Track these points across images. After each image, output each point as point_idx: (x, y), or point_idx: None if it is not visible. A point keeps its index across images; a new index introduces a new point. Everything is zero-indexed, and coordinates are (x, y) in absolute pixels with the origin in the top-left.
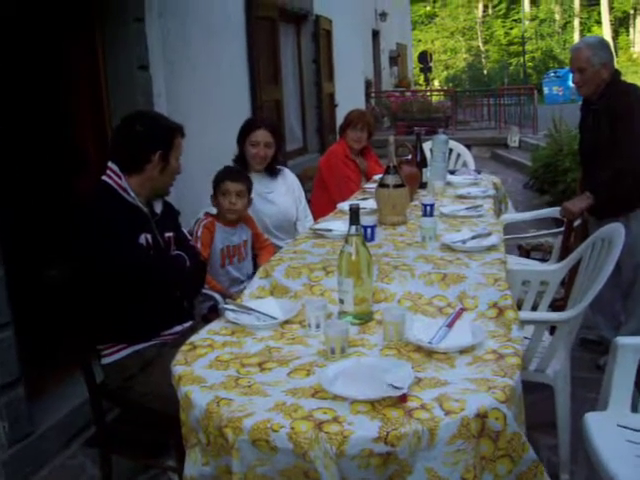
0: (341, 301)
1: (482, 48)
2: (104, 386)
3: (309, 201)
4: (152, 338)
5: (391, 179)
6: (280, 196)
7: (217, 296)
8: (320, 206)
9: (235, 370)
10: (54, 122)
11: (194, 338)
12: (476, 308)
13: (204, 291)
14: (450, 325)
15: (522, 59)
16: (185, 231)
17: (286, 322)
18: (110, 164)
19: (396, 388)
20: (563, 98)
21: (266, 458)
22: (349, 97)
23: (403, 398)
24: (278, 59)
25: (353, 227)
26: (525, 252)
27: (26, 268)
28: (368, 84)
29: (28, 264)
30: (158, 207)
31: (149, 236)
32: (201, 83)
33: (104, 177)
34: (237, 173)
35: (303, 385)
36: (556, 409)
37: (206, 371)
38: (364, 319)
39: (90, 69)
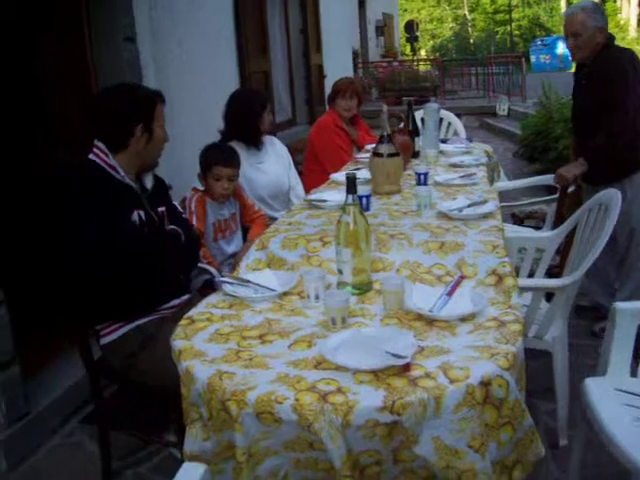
0: (339, 272)
1: (468, 17)
2: (102, 365)
3: (300, 173)
4: (150, 313)
5: (385, 148)
6: (272, 165)
7: (213, 270)
8: (312, 178)
9: (235, 343)
10: (36, 94)
11: (192, 312)
12: (475, 276)
13: (200, 265)
14: (450, 293)
15: (509, 27)
16: (177, 205)
17: (284, 294)
18: (96, 142)
19: (399, 357)
20: (550, 66)
21: (270, 431)
22: (338, 68)
23: (407, 367)
24: (266, 30)
25: (350, 196)
26: (519, 220)
27: (18, 242)
28: (355, 55)
29: (19, 238)
30: (148, 182)
31: (142, 212)
32: (189, 55)
33: (91, 156)
34: (229, 156)
35: (305, 357)
36: (554, 375)
37: (206, 345)
38: (363, 289)
39: (75, 40)
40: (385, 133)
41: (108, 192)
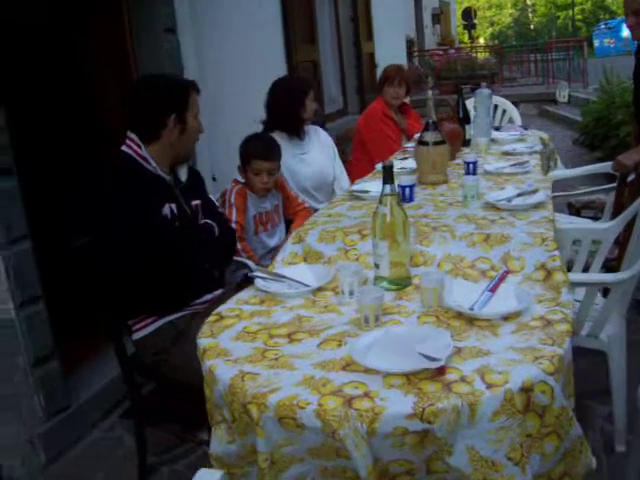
0: (376, 266)
1: (529, 2)
2: (135, 360)
3: (349, 162)
4: (182, 308)
5: (430, 136)
6: (316, 155)
7: (251, 264)
8: (360, 167)
9: (262, 342)
10: (80, 90)
11: (222, 308)
12: (522, 270)
13: (237, 259)
14: (493, 289)
15: (571, 12)
16: (213, 198)
17: (319, 289)
18: (129, 134)
19: (432, 359)
20: (615, 50)
21: (293, 437)
22: (390, 57)
23: (441, 370)
24: (314, 18)
25: (387, 186)
26: (575, 210)
27: (56, 238)
28: (410, 43)
29: (57, 234)
30: (183, 175)
31: (174, 206)
32: (233, 45)
33: (124, 147)
34: (268, 149)
35: (334, 357)
36: (610, 377)
37: (232, 343)
38: (401, 284)
39: (116, 32)
40: (430, 120)
41: (139, 184)
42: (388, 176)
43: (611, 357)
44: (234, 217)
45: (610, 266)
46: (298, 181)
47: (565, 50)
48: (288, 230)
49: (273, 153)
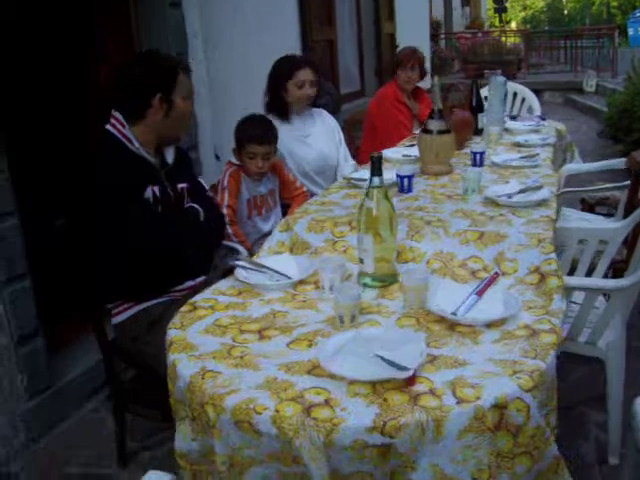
0: (361, 261)
1: None
2: (115, 345)
3: (358, 147)
4: (161, 295)
5: (435, 124)
6: (319, 139)
7: (241, 249)
8: (369, 152)
9: (231, 337)
10: (77, 65)
11: (197, 297)
12: (515, 273)
13: (228, 243)
14: (480, 293)
15: None
16: (202, 181)
17: (300, 282)
18: (114, 112)
19: (402, 369)
20: None
21: (251, 441)
22: (412, 38)
23: (411, 380)
24: None
25: (375, 178)
26: (588, 206)
27: (42, 217)
28: (437, 25)
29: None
30: (170, 156)
31: (157, 189)
32: (244, 23)
33: (108, 126)
34: (264, 132)
35: (301, 358)
36: (607, 386)
37: (200, 337)
38: (386, 281)
39: (118, 7)
40: (436, 108)
41: (122, 165)
42: (376, 168)
43: (609, 366)
44: (226, 200)
45: (617, 268)
46: (299, 164)
47: (596, 38)
48: (285, 215)
49: (268, 137)
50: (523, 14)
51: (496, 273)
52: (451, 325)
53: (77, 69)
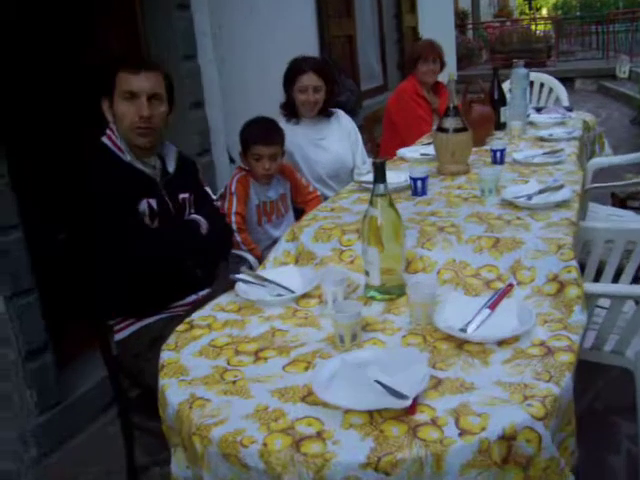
0: (366, 273)
1: None
2: (119, 362)
3: (378, 145)
4: (162, 311)
5: (451, 122)
6: (334, 142)
7: (251, 258)
8: (390, 149)
9: (226, 359)
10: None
11: (195, 315)
12: (532, 282)
13: (236, 252)
14: (493, 306)
15: None
16: (208, 190)
17: (304, 296)
18: (111, 124)
19: (400, 396)
20: None
21: (240, 474)
22: (436, 30)
23: (411, 408)
24: None
25: (379, 185)
26: (619, 202)
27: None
28: (464, 15)
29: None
30: (171, 165)
31: (153, 201)
32: (259, 18)
33: (104, 137)
34: (269, 133)
35: (297, 383)
36: (637, 397)
37: (193, 360)
38: (393, 293)
39: (125, 9)
40: (451, 105)
41: (115, 179)
42: (379, 174)
43: (638, 376)
44: (234, 207)
45: None
46: (312, 168)
47: (630, 21)
48: (298, 220)
49: (273, 137)
50: (554, 0)
51: (510, 284)
52: (460, 344)
53: (81, 75)
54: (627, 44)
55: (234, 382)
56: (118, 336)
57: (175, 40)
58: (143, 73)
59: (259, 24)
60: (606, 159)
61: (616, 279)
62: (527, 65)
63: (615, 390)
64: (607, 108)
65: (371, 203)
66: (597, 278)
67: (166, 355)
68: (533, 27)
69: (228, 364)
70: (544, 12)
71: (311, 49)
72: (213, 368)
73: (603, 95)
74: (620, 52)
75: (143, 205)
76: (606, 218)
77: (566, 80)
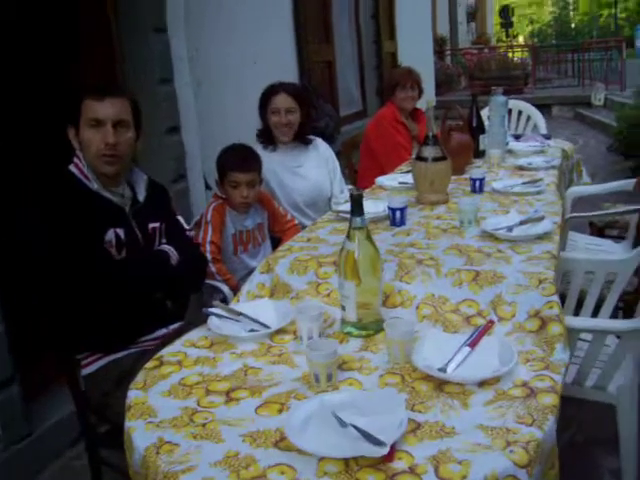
0: (343, 308)
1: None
2: (86, 397)
3: (356, 171)
4: (130, 345)
5: (430, 151)
6: (312, 169)
7: (225, 289)
8: (368, 176)
9: (196, 400)
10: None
11: (165, 351)
12: (513, 317)
13: (211, 282)
14: (473, 344)
15: (614, 10)
16: (181, 219)
17: (278, 331)
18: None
19: (377, 443)
20: None
21: None
22: (415, 56)
23: (389, 455)
24: (329, 15)
25: (356, 219)
26: (597, 230)
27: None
28: (442, 41)
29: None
30: (141, 193)
31: (121, 230)
32: (238, 44)
33: (71, 165)
34: (246, 160)
35: (270, 426)
36: (619, 432)
37: (162, 400)
38: (370, 329)
39: (100, 31)
40: (430, 133)
41: (80, 208)
42: (357, 207)
43: (620, 411)
44: (209, 236)
45: (628, 300)
46: (289, 196)
47: (604, 50)
48: (275, 249)
49: (250, 164)
50: (530, 28)
51: (490, 321)
52: (439, 384)
53: (58, 104)
54: (602, 72)
55: (204, 425)
56: (86, 370)
57: (151, 64)
58: (108, 99)
59: (237, 48)
60: (586, 188)
61: (597, 309)
62: (505, 92)
63: (596, 422)
64: (584, 135)
65: (348, 236)
66: (577, 308)
67: (133, 395)
68: (510, 54)
69: (198, 405)
70: (520, 39)
71: (290, 74)
72: (182, 409)
73: (579, 122)
74: (595, 80)
75: (110, 235)
76: (585, 247)
77: (543, 107)
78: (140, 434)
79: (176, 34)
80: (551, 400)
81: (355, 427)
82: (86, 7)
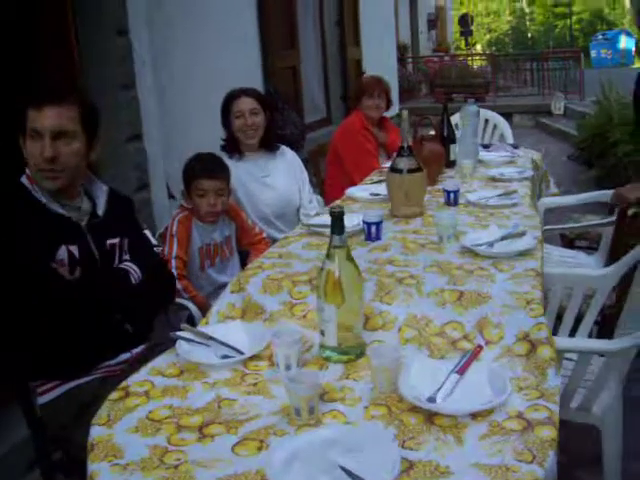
0: (322, 332)
1: (526, 10)
2: (44, 427)
3: (322, 182)
4: (89, 372)
5: (404, 162)
6: (279, 178)
7: (192, 307)
8: (336, 185)
9: (166, 437)
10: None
11: (131, 379)
12: (500, 340)
13: (177, 300)
14: (461, 371)
15: (569, 21)
16: (147, 233)
17: (252, 357)
18: None
19: None
20: (612, 62)
21: None
22: (379, 63)
23: None
24: (295, 21)
25: (336, 237)
26: (568, 241)
27: None
28: (404, 49)
29: None
30: (100, 206)
31: (74, 247)
32: (201, 48)
33: (23, 177)
34: (213, 166)
35: (248, 468)
36: (603, 454)
37: (129, 437)
38: (351, 354)
39: (59, 32)
40: (405, 144)
41: (30, 223)
42: (337, 225)
43: (605, 433)
44: (175, 251)
45: (607, 315)
46: (256, 207)
47: (562, 60)
48: (243, 264)
49: (217, 171)
50: (488, 37)
51: (479, 346)
52: (429, 416)
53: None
54: (561, 82)
55: (176, 467)
56: (42, 399)
57: (112, 67)
58: (47, 108)
59: (202, 53)
60: (560, 199)
61: (576, 325)
62: (466, 100)
63: (579, 442)
64: (545, 143)
65: (327, 256)
66: (556, 323)
67: (96, 432)
68: (470, 62)
69: (169, 443)
70: (479, 48)
71: (255, 80)
72: (151, 448)
73: (540, 130)
74: (555, 89)
75: (62, 252)
76: (559, 260)
77: (505, 115)
78: (105, 478)
79: (138, 37)
80: (550, 433)
81: (344, 469)
82: (44, 6)
